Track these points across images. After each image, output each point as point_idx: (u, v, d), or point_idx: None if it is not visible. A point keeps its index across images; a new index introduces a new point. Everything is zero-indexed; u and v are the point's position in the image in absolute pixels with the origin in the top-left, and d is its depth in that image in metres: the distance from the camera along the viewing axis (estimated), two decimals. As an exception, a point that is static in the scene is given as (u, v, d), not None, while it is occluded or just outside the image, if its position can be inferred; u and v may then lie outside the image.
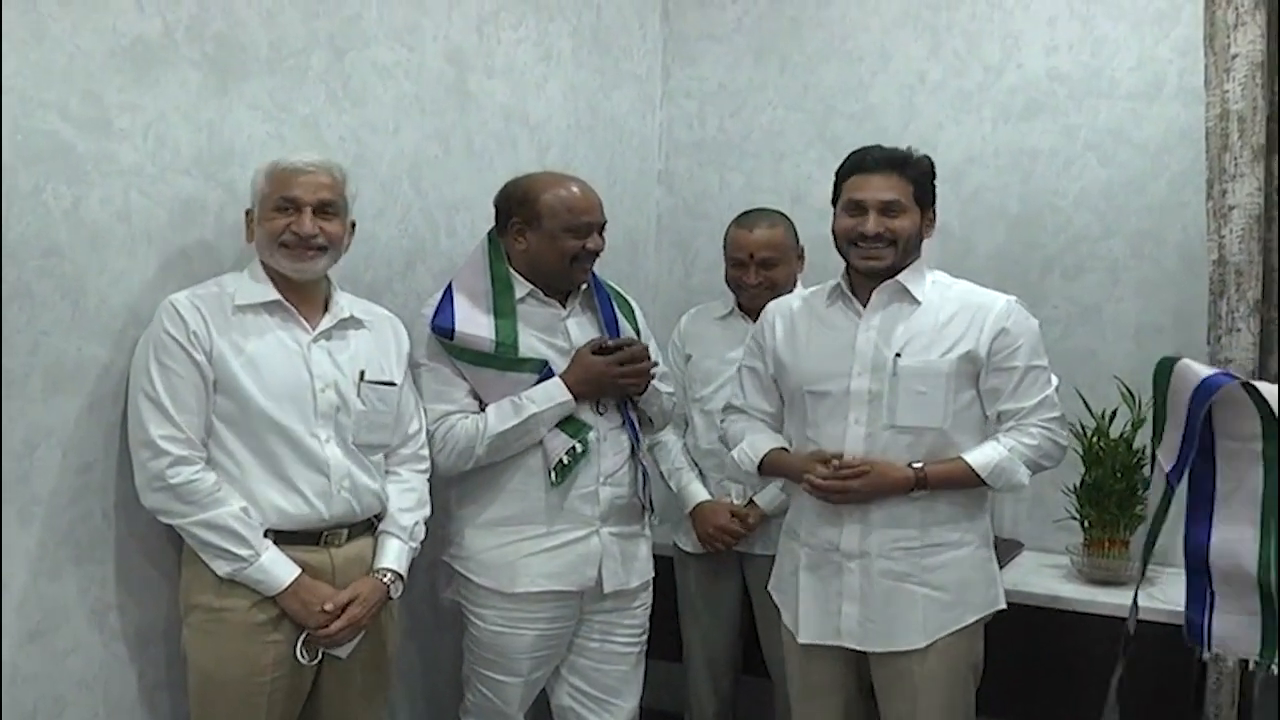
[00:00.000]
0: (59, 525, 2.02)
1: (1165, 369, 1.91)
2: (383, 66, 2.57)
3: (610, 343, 2.44)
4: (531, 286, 2.41)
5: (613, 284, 2.63)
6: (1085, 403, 2.80)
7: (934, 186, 2.28)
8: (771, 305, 2.47)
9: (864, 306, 2.27)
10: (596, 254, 2.44)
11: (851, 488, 2.18)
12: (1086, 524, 2.82)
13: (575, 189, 2.40)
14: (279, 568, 2.05)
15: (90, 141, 2.00)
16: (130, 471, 2.06)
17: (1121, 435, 2.76)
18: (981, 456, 2.19)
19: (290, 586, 2.05)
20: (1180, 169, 2.86)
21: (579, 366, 2.39)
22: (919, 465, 2.19)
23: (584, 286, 2.51)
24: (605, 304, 2.52)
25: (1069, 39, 2.99)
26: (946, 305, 2.24)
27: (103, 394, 2.07)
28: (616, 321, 2.52)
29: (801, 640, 2.31)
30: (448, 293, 2.39)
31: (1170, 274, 2.91)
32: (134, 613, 2.15)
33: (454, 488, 2.50)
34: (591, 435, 2.41)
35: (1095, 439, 2.78)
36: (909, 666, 2.23)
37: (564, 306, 2.46)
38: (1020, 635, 2.66)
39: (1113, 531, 2.78)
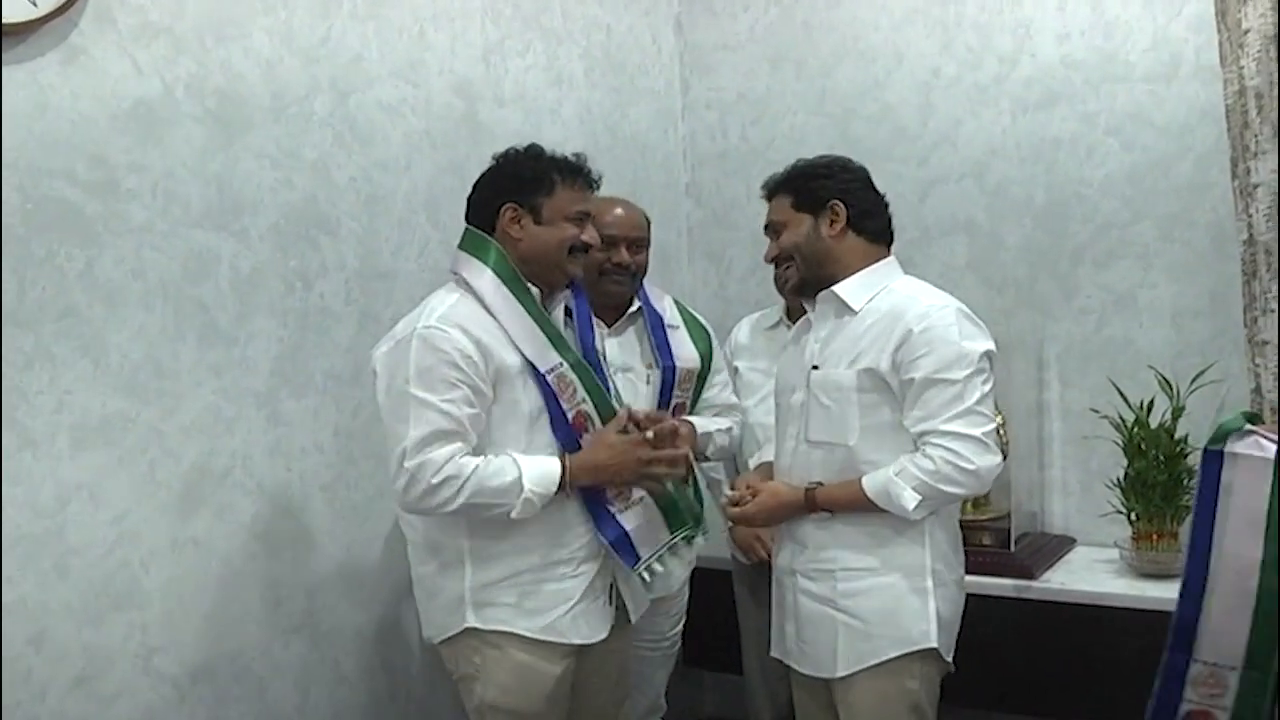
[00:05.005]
0: (96, 575, 2.09)
1: None
2: (388, 105, 2.61)
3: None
4: None
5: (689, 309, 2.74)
6: (1122, 394, 2.74)
7: (819, 185, 2.13)
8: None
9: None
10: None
11: (748, 514, 2.17)
12: (1133, 517, 2.75)
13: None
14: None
15: (100, 203, 2.06)
16: (163, 520, 2.16)
17: (1162, 425, 2.69)
18: (873, 478, 2.04)
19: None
20: (1204, 149, 2.78)
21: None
22: (813, 484, 2.11)
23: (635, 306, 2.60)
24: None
25: (1080, 25, 2.92)
26: (873, 315, 2.08)
27: (130, 446, 2.13)
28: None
29: (772, 653, 2.28)
30: None
31: (1203, 256, 2.83)
32: (178, 655, 2.21)
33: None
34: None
35: (1135, 430, 2.72)
36: (834, 696, 2.15)
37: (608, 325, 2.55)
38: (1067, 633, 2.63)
39: (1160, 524, 2.71)
